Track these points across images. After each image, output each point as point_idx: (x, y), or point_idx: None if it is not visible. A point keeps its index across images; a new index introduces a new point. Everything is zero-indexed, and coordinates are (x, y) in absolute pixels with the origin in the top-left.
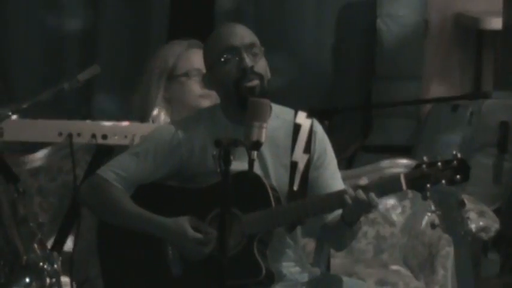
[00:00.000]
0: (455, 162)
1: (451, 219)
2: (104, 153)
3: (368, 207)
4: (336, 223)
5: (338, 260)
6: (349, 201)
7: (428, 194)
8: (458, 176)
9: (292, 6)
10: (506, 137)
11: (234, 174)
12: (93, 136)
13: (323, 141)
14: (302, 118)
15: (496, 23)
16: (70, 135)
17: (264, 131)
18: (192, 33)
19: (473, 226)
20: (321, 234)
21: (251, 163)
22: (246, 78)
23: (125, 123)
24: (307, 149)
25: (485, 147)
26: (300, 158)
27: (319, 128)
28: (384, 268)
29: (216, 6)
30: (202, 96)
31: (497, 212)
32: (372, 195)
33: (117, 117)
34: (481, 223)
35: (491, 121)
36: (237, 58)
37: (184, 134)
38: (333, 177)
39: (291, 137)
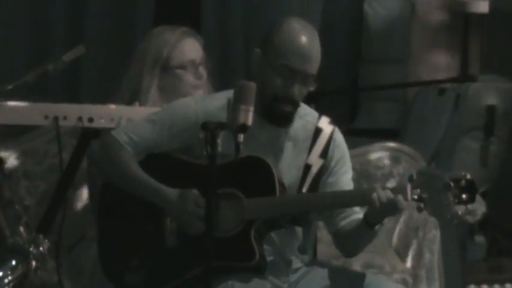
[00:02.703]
0: (463, 181)
1: (438, 202)
2: (90, 136)
3: (395, 208)
4: (353, 227)
5: (324, 244)
6: (376, 200)
7: (414, 176)
8: (464, 196)
9: None
10: (493, 121)
11: (244, 158)
12: (80, 119)
13: (342, 149)
14: (325, 123)
15: (483, 7)
16: (56, 119)
17: (250, 114)
18: (178, 17)
19: (459, 209)
20: (335, 241)
21: (237, 146)
22: (284, 103)
23: (112, 106)
24: (324, 154)
25: (472, 131)
26: (315, 161)
27: (339, 136)
28: (370, 251)
29: None
30: (195, 87)
31: (483, 195)
32: (400, 197)
33: (104, 100)
34: (467, 206)
35: (477, 104)
36: (290, 80)
37: (203, 112)
38: (348, 186)
39: (310, 139)
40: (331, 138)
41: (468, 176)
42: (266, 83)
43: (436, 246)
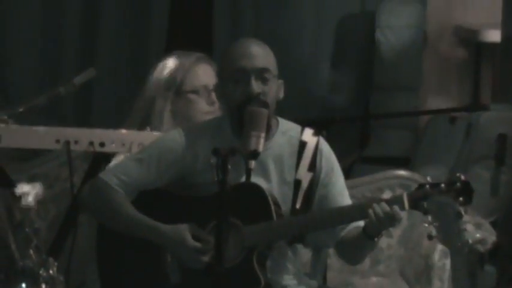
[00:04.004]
0: (458, 184)
1: (448, 230)
2: (101, 161)
3: (392, 220)
4: (355, 237)
5: (334, 271)
6: (372, 214)
7: (425, 204)
8: (461, 198)
9: (291, 17)
10: (504, 150)
11: (237, 185)
12: (91, 144)
13: (329, 159)
14: (308, 135)
15: (494, 36)
16: (67, 143)
17: (261, 140)
18: (190, 44)
19: (470, 238)
20: (337, 251)
21: (248, 172)
22: (250, 104)
23: (123, 131)
24: (312, 167)
25: (483, 160)
26: (304, 176)
27: (325, 146)
28: (380, 279)
29: (214, 15)
30: (208, 113)
31: (494, 224)
32: (396, 208)
33: (115, 125)
34: (477, 235)
35: (489, 133)
36: (245, 81)
37: (190, 143)
38: (341, 195)
39: (296, 154)
40: (317, 149)
41: (463, 177)
42: (229, 98)
43: (446, 275)
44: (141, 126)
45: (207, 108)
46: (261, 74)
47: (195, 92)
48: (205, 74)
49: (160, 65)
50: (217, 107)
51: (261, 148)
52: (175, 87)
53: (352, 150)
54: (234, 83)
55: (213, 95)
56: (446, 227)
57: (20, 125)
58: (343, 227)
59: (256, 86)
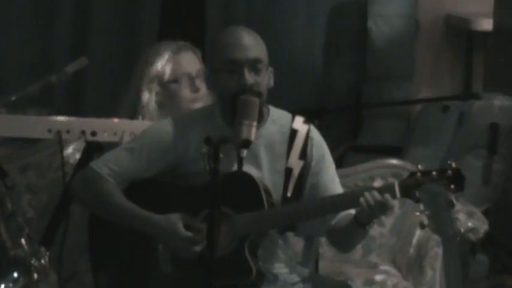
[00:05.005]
0: (449, 171)
1: (440, 219)
2: (93, 150)
3: (384, 208)
4: (346, 225)
5: (326, 260)
6: (364, 203)
7: (416, 193)
8: (452, 186)
9: (283, 6)
10: (496, 139)
11: (228, 174)
12: (83, 133)
13: (320, 147)
14: (299, 123)
15: (486, 24)
16: (59, 132)
17: (253, 129)
18: (182, 33)
19: (462, 227)
20: (328, 239)
21: (240, 161)
22: (244, 94)
23: (115, 120)
24: (303, 155)
25: (475, 149)
26: (295, 164)
27: (316, 134)
28: (372, 268)
29: (206, 4)
30: (193, 100)
31: (486, 213)
32: (387, 196)
33: (107, 114)
34: (469, 224)
35: (481, 122)
36: (238, 72)
37: (181, 132)
38: (333, 182)
39: (287, 142)
40: (307, 137)
41: (453, 165)
42: (222, 89)
43: (438, 264)
44: (132, 117)
45: (191, 96)
46: (254, 64)
47: (177, 81)
48: (187, 62)
49: (144, 57)
50: (202, 93)
51: (252, 137)
52: (158, 79)
53: (345, 139)
54: (226, 73)
55: (197, 82)
56: (438, 216)
57: (12, 114)
58: (334, 215)
59: (249, 78)
